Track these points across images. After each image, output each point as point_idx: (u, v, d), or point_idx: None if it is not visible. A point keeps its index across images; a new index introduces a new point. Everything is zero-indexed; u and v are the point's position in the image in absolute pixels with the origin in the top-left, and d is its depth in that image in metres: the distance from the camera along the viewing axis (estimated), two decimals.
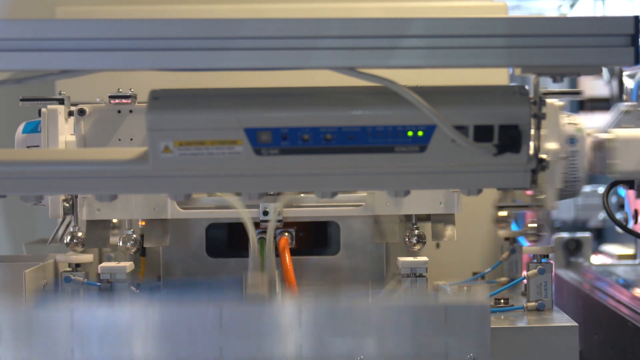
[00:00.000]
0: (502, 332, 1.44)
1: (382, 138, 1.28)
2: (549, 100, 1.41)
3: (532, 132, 1.29)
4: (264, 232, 1.58)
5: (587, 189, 2.93)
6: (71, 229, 1.60)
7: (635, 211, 1.96)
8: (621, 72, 2.27)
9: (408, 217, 1.62)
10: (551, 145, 1.42)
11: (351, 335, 1.29)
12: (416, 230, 1.58)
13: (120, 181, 1.30)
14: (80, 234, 1.58)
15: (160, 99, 1.28)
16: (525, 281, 1.59)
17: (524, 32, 1.22)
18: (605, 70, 2.56)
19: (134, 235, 1.57)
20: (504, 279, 1.79)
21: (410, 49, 1.22)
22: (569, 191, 1.51)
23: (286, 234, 1.57)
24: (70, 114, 1.58)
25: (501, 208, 1.76)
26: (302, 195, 1.59)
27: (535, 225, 1.68)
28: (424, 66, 1.22)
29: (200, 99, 1.29)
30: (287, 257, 1.54)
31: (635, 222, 1.94)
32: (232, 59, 1.21)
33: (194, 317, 1.27)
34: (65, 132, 1.57)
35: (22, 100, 1.60)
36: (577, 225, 2.66)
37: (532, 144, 1.29)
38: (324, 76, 1.26)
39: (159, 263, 1.62)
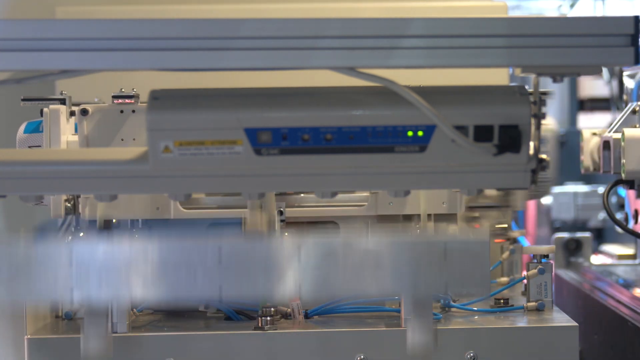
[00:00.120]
0: (502, 332, 1.44)
1: (382, 138, 1.28)
2: None
3: (532, 132, 1.29)
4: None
5: (586, 189, 2.94)
6: (72, 229, 1.60)
7: (636, 211, 1.97)
8: (621, 72, 2.28)
9: (407, 217, 1.62)
10: None
11: (350, 272, 1.28)
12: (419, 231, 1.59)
13: (120, 181, 1.30)
14: (81, 234, 1.58)
15: (160, 99, 1.28)
16: (525, 281, 1.59)
17: (524, 32, 1.22)
18: (605, 71, 2.57)
19: (136, 236, 1.57)
20: (504, 279, 1.78)
21: (410, 49, 1.22)
22: (538, 192, 1.51)
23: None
24: (72, 114, 1.58)
25: (471, 209, 1.75)
26: (302, 195, 1.59)
27: (505, 225, 1.68)
28: (424, 66, 1.22)
29: (200, 99, 1.29)
30: None
31: (636, 222, 1.95)
32: (232, 59, 1.21)
33: (193, 253, 1.26)
34: (67, 132, 1.57)
35: (23, 100, 1.60)
36: (577, 225, 2.67)
37: (532, 144, 1.29)
38: (324, 76, 1.26)
39: None
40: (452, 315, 1.53)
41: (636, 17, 1.22)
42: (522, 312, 1.55)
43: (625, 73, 2.19)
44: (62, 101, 1.58)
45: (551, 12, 2.89)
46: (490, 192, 1.68)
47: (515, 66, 1.25)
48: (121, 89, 1.55)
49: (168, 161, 1.28)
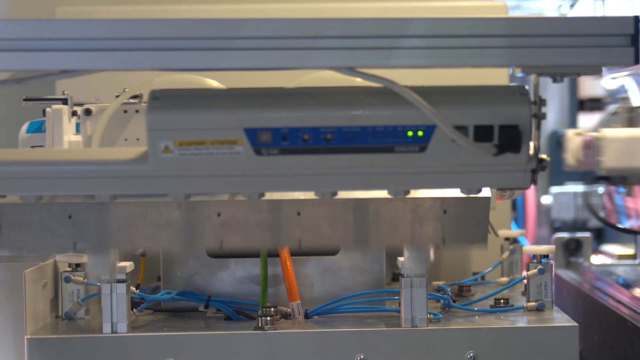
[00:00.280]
0: (502, 332, 1.44)
1: (382, 138, 1.28)
2: None
3: (532, 132, 1.29)
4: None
5: (586, 189, 2.94)
6: None
7: None
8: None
9: None
10: None
11: (348, 225, 1.29)
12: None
13: (120, 181, 1.30)
14: None
15: (160, 99, 1.28)
16: (525, 281, 1.59)
17: (524, 32, 1.22)
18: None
19: None
20: (504, 279, 1.79)
21: (410, 49, 1.22)
22: (507, 192, 1.52)
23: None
24: (74, 113, 1.58)
25: None
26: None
27: None
28: (424, 66, 1.22)
29: (200, 99, 1.29)
30: (287, 257, 1.54)
31: None
32: (232, 59, 1.21)
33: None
34: (69, 132, 1.57)
35: (25, 100, 1.60)
36: (577, 225, 2.67)
37: (532, 144, 1.29)
38: (324, 76, 1.26)
39: (159, 263, 1.62)
40: (452, 315, 1.53)
41: (636, 17, 1.22)
42: (522, 312, 1.55)
43: (611, 76, 2.23)
44: (64, 101, 1.58)
45: (551, 12, 2.88)
46: None
47: (515, 66, 1.25)
48: (124, 89, 1.55)
49: (168, 161, 1.28)
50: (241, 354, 1.42)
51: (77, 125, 1.59)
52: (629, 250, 2.44)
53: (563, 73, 1.25)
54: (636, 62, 1.23)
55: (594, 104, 3.32)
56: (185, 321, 1.53)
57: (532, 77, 1.30)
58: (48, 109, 1.56)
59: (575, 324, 1.46)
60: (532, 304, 1.56)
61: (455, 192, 1.33)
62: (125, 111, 1.54)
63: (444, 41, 1.22)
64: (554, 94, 3.08)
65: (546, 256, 1.58)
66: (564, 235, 2.40)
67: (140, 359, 1.41)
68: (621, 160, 1.88)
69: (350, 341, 1.42)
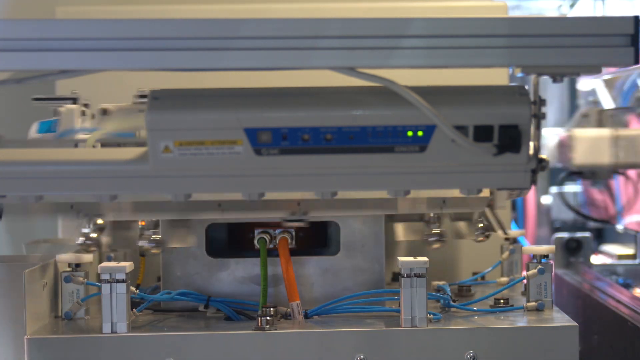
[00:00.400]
0: (502, 332, 1.44)
1: (382, 138, 1.28)
2: None
3: (532, 132, 1.29)
4: (265, 232, 1.58)
5: (559, 189, 2.95)
6: (86, 230, 1.60)
7: None
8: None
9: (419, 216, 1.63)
10: None
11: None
12: (437, 229, 1.59)
13: (120, 181, 1.30)
14: (95, 235, 1.58)
15: (160, 99, 1.28)
16: (525, 281, 1.59)
17: (524, 32, 1.22)
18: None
19: (159, 236, 1.57)
20: (504, 279, 1.78)
21: (410, 49, 1.22)
22: (516, 191, 1.53)
23: (286, 234, 1.57)
24: (82, 113, 1.57)
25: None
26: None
27: (482, 225, 1.68)
28: (424, 66, 1.22)
29: (200, 99, 1.29)
30: (287, 257, 1.54)
31: None
32: (232, 59, 1.21)
33: None
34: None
35: (35, 99, 1.59)
36: (577, 225, 2.67)
37: (532, 143, 1.29)
38: (324, 76, 1.26)
39: (159, 263, 1.62)
40: (452, 315, 1.53)
41: (636, 17, 1.22)
42: (522, 312, 1.55)
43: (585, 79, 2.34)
44: (74, 100, 1.58)
45: (551, 12, 2.88)
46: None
47: (515, 66, 1.25)
48: (138, 89, 1.54)
49: (168, 161, 1.28)
50: (241, 354, 1.42)
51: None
52: (629, 250, 2.44)
53: (563, 73, 1.25)
54: (636, 62, 1.23)
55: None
56: (185, 321, 1.53)
57: (532, 77, 1.30)
58: (61, 109, 1.55)
59: (575, 324, 1.46)
60: (532, 304, 1.55)
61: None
62: (141, 111, 1.53)
63: (444, 41, 1.22)
64: (554, 94, 3.08)
65: (546, 256, 1.58)
66: (564, 235, 2.40)
67: (140, 359, 1.41)
68: (589, 157, 2.11)
69: (350, 341, 1.42)
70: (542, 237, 2.77)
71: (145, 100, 1.54)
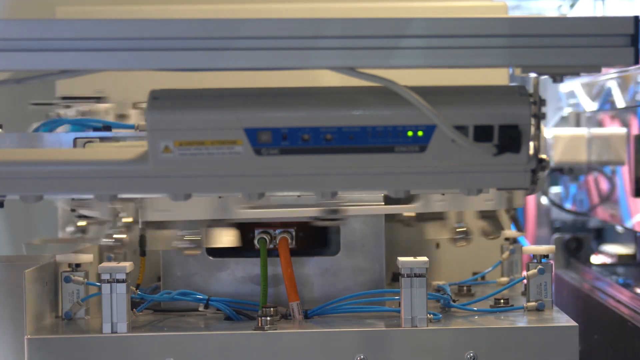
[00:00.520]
0: (502, 332, 1.44)
1: (382, 138, 1.28)
2: None
3: (532, 132, 1.29)
4: (265, 232, 1.58)
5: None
6: (110, 231, 1.60)
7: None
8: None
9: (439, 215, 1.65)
10: None
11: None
12: (461, 228, 1.60)
13: (120, 181, 1.30)
14: (124, 236, 1.58)
15: (160, 99, 1.28)
16: (525, 281, 1.59)
17: (524, 32, 1.22)
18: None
19: (198, 237, 1.57)
20: (504, 279, 1.78)
21: (410, 49, 1.22)
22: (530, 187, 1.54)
23: (286, 234, 1.57)
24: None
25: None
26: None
27: (464, 228, 1.69)
28: (424, 66, 1.22)
29: (200, 99, 1.29)
30: (287, 257, 1.54)
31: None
32: (232, 59, 1.21)
33: None
34: None
35: (63, 98, 1.59)
36: (577, 225, 2.67)
37: (532, 144, 1.29)
38: (324, 76, 1.26)
39: (159, 263, 1.62)
40: (452, 315, 1.53)
41: (636, 17, 1.22)
42: (522, 312, 1.55)
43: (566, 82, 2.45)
44: (100, 100, 1.57)
45: (551, 12, 2.88)
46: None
47: (515, 66, 1.25)
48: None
49: (168, 161, 1.28)
50: (241, 354, 1.42)
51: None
52: (629, 250, 2.44)
53: (563, 73, 1.25)
54: (636, 62, 1.23)
55: None
56: (185, 321, 1.53)
57: (532, 77, 1.30)
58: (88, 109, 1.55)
59: (575, 324, 1.46)
60: (532, 304, 1.55)
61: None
62: None
63: (444, 41, 1.22)
64: (553, 94, 3.08)
65: (546, 256, 1.58)
66: (564, 235, 2.40)
67: (140, 359, 1.41)
68: (566, 155, 2.29)
69: (350, 341, 1.42)
70: (542, 237, 2.77)
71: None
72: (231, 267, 1.61)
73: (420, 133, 1.28)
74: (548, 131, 2.34)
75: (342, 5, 1.95)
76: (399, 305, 1.45)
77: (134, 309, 1.53)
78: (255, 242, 1.58)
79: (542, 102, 1.31)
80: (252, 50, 1.21)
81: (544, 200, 2.66)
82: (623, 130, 2.05)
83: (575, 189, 2.46)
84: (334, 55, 1.21)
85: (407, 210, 1.61)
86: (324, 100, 1.29)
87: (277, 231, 1.58)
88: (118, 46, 1.20)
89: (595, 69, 1.25)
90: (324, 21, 1.21)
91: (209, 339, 1.42)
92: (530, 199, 2.98)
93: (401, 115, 1.27)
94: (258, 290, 1.56)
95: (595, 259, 2.43)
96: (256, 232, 1.59)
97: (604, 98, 2.18)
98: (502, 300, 1.58)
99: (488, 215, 1.69)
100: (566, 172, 2.38)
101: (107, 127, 1.51)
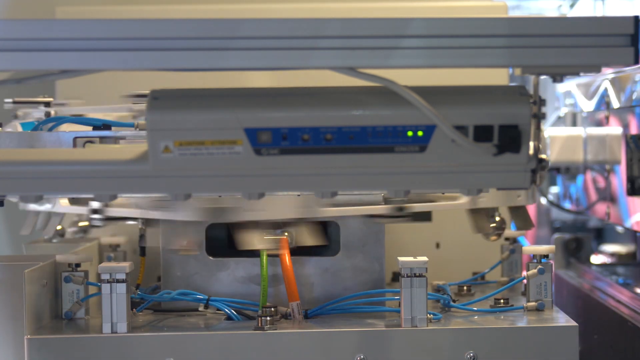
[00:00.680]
0: (502, 332, 1.44)
1: (382, 138, 1.28)
2: None
3: (532, 132, 1.29)
4: (264, 232, 1.58)
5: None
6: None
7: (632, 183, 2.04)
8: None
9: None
10: None
11: None
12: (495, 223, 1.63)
13: (120, 181, 1.30)
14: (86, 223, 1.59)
15: (160, 99, 1.28)
16: (525, 281, 1.59)
17: (524, 32, 1.22)
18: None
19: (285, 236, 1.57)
20: (504, 279, 1.79)
21: (410, 49, 1.22)
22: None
23: (286, 234, 1.57)
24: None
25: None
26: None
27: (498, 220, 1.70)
28: (424, 66, 1.22)
29: (200, 99, 1.29)
30: (287, 257, 1.54)
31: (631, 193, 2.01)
32: (232, 59, 1.21)
33: None
34: None
35: (131, 96, 1.59)
36: (577, 225, 2.67)
37: (532, 144, 1.29)
38: (324, 76, 1.26)
39: (159, 263, 1.62)
40: (452, 315, 1.53)
41: (636, 17, 1.22)
42: (522, 312, 1.55)
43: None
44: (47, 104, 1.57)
45: (551, 12, 2.88)
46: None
47: (515, 66, 1.25)
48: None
49: (168, 161, 1.28)
50: (241, 354, 1.42)
51: None
52: (629, 250, 2.44)
53: (563, 73, 1.25)
54: (636, 62, 1.23)
55: None
56: (185, 321, 1.53)
57: (532, 77, 1.30)
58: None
59: (575, 324, 1.46)
60: (532, 304, 1.55)
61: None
62: None
63: (444, 41, 1.22)
64: (551, 94, 3.08)
65: (546, 256, 1.58)
66: (564, 235, 2.40)
67: (140, 359, 1.41)
68: (562, 155, 2.30)
69: (350, 341, 1.42)
70: (542, 237, 2.77)
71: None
72: (231, 267, 1.61)
73: (420, 133, 1.28)
74: (545, 131, 2.36)
75: (342, 5, 1.95)
76: (399, 305, 1.45)
77: (134, 309, 1.53)
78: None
79: (542, 102, 1.30)
80: (252, 50, 1.21)
81: (543, 200, 2.66)
82: (619, 130, 2.05)
83: (573, 188, 2.47)
84: (334, 55, 1.21)
85: (459, 207, 1.63)
86: (324, 100, 1.29)
87: (277, 231, 1.58)
88: (118, 46, 1.20)
89: (595, 69, 1.25)
90: (324, 21, 1.21)
91: (209, 339, 1.42)
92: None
93: (401, 115, 1.27)
94: (258, 290, 1.56)
95: (595, 259, 2.43)
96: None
97: (601, 98, 2.19)
98: (502, 300, 1.58)
99: (516, 211, 1.70)
100: (563, 171, 2.41)
101: (107, 126, 1.51)
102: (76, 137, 1.48)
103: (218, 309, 1.56)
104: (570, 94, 2.48)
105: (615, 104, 2.07)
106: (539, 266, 1.57)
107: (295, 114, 1.27)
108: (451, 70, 1.24)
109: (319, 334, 1.44)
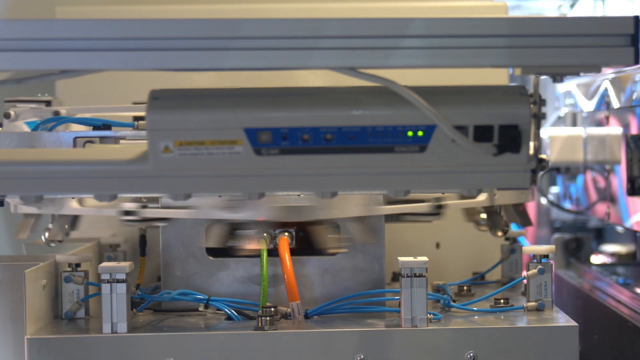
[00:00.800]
0: (502, 332, 1.44)
1: (382, 138, 1.28)
2: None
3: (532, 132, 1.29)
4: (265, 232, 1.58)
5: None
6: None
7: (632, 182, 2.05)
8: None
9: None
10: None
11: None
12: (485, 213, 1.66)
13: (120, 181, 1.30)
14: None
15: (160, 99, 1.28)
16: (525, 281, 1.59)
17: (524, 32, 1.22)
18: None
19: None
20: (504, 279, 1.79)
21: (410, 49, 1.22)
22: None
23: (286, 234, 1.57)
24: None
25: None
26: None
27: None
28: (424, 66, 1.22)
29: (200, 99, 1.29)
30: (287, 257, 1.54)
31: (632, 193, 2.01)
32: (232, 59, 1.21)
33: None
34: None
35: (7, 101, 1.60)
36: (577, 225, 2.68)
37: (532, 144, 1.29)
38: (324, 76, 1.26)
39: (159, 263, 1.62)
40: (452, 315, 1.53)
41: (636, 17, 1.22)
42: (522, 312, 1.55)
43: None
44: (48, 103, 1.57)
45: (551, 12, 2.88)
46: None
47: (515, 66, 1.25)
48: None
49: (168, 161, 1.28)
50: (241, 354, 1.42)
51: None
52: (629, 250, 2.44)
53: (563, 73, 1.25)
54: (636, 62, 1.23)
55: None
56: (185, 321, 1.53)
57: (532, 77, 1.30)
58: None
59: (575, 324, 1.46)
60: (532, 304, 1.55)
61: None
62: None
63: (444, 41, 1.22)
64: (550, 94, 3.08)
65: (546, 256, 1.58)
66: (564, 235, 2.40)
67: (140, 359, 1.41)
68: (562, 155, 2.31)
69: (350, 341, 1.42)
70: (542, 237, 2.77)
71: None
72: (231, 267, 1.61)
73: (420, 133, 1.28)
74: (544, 131, 2.35)
75: (342, 5, 1.95)
76: (399, 305, 1.45)
77: (134, 309, 1.53)
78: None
79: (542, 102, 1.31)
80: (252, 50, 1.21)
81: (543, 200, 2.66)
82: (619, 130, 2.05)
83: (573, 188, 2.47)
84: (334, 55, 1.21)
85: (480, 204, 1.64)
86: (324, 100, 1.29)
87: (277, 231, 1.58)
88: (118, 46, 1.20)
89: (595, 68, 1.25)
90: (324, 21, 1.21)
91: (209, 339, 1.42)
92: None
93: (401, 115, 1.27)
94: (258, 290, 1.56)
95: (595, 259, 2.43)
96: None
97: (601, 98, 2.19)
98: (502, 300, 1.58)
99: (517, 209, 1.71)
100: (563, 171, 2.41)
101: (107, 126, 1.51)
102: (76, 137, 1.48)
103: (218, 309, 1.56)
104: (570, 94, 2.48)
105: (616, 104, 2.07)
106: (539, 266, 1.57)
107: (295, 114, 1.27)
108: (451, 70, 1.24)
109: (319, 334, 1.44)
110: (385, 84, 1.25)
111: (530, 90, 1.31)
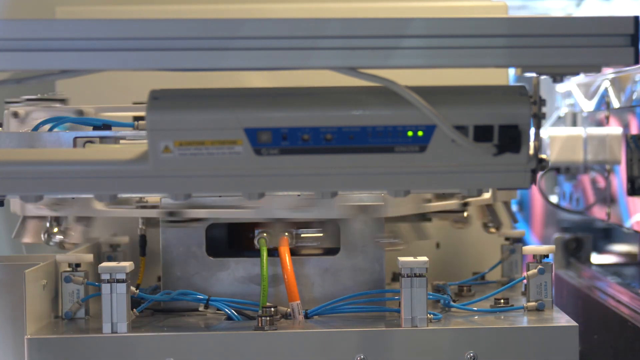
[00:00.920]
0: (502, 332, 1.44)
1: (382, 138, 1.28)
2: None
3: (532, 132, 1.29)
4: (264, 232, 1.58)
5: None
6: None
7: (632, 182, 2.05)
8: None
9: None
10: None
11: None
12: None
13: (120, 181, 1.30)
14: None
15: (160, 99, 1.28)
16: (525, 281, 1.59)
17: (524, 32, 1.22)
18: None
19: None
20: (504, 279, 1.79)
21: (410, 49, 1.22)
22: None
23: (286, 234, 1.57)
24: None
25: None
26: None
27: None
28: (424, 66, 1.22)
29: (200, 99, 1.29)
30: (287, 257, 1.54)
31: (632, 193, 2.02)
32: (232, 59, 1.21)
33: None
34: None
35: (28, 100, 1.59)
36: (583, 225, 2.68)
37: (532, 144, 1.29)
38: (324, 76, 1.26)
39: (159, 263, 1.62)
40: (452, 315, 1.53)
41: (636, 17, 1.22)
42: (522, 312, 1.55)
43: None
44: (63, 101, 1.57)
45: (557, 12, 2.88)
46: None
47: (515, 66, 1.25)
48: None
49: (168, 161, 1.28)
50: (241, 354, 1.42)
51: None
52: (633, 250, 2.45)
53: (563, 73, 1.25)
54: (636, 62, 1.23)
55: None
56: (185, 321, 1.53)
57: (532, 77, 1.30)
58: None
59: (575, 324, 1.46)
60: (532, 304, 1.55)
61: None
62: None
63: (444, 41, 1.22)
64: (550, 94, 3.09)
65: (546, 256, 1.58)
66: (564, 235, 2.40)
67: (140, 359, 1.41)
68: (562, 155, 2.30)
69: (350, 341, 1.42)
70: (548, 237, 2.77)
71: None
72: (231, 267, 1.61)
73: (420, 133, 1.28)
74: (544, 131, 2.36)
75: (342, 5, 1.95)
76: (399, 305, 1.45)
77: (134, 309, 1.53)
78: (255, 242, 1.57)
79: (542, 102, 1.31)
80: (252, 50, 1.21)
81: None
82: (619, 130, 2.05)
83: (570, 187, 2.47)
84: (334, 55, 1.21)
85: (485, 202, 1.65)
86: (324, 100, 1.29)
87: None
88: (118, 46, 1.20)
89: (595, 68, 1.25)
90: (324, 21, 1.21)
91: (209, 339, 1.42)
92: (538, 199, 2.98)
93: (401, 115, 1.27)
94: (258, 290, 1.56)
95: (596, 259, 2.43)
96: (256, 232, 1.59)
97: (601, 98, 2.19)
98: (502, 300, 1.58)
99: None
100: (563, 171, 2.42)
101: (107, 126, 1.51)
102: (76, 137, 1.48)
103: (218, 309, 1.56)
104: (570, 94, 2.49)
105: (616, 104, 2.07)
106: (539, 266, 1.57)
107: (295, 114, 1.27)
108: (451, 70, 1.24)
109: (319, 334, 1.44)
110: (385, 84, 1.25)
111: (535, 91, 1.31)
